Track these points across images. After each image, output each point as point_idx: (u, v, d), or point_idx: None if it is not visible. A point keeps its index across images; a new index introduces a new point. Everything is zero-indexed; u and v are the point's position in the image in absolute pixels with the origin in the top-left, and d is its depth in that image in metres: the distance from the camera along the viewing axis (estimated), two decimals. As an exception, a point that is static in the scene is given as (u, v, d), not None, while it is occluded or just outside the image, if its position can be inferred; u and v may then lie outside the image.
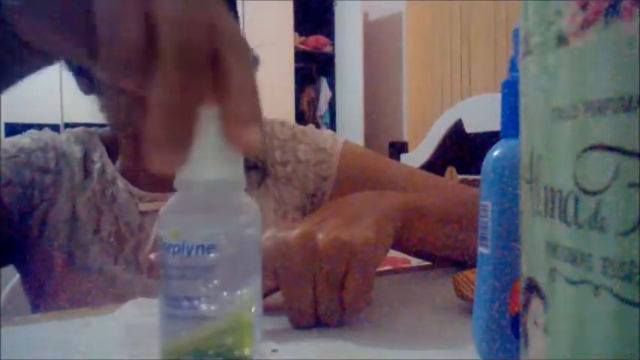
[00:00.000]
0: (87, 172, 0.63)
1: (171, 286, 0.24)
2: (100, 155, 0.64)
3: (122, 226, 0.61)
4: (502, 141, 0.32)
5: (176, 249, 0.24)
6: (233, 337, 0.25)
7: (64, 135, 0.65)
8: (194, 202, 0.25)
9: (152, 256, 0.58)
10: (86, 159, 0.63)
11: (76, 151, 0.63)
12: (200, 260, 0.24)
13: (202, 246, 0.24)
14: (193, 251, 0.24)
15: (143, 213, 0.61)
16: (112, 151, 0.65)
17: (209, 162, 0.24)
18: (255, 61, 0.66)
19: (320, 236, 0.38)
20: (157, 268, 0.25)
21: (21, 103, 2.69)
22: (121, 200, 0.61)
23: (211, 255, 0.24)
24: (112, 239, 0.60)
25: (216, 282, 0.24)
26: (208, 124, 0.24)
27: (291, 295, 0.38)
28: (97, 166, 0.63)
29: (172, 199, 0.26)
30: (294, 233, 0.38)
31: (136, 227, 0.61)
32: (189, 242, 0.24)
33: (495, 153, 0.31)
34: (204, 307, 0.24)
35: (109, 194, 0.61)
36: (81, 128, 0.67)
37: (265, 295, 0.41)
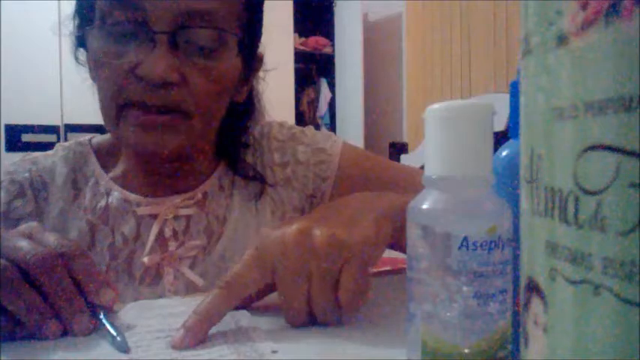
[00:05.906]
0: (77, 191, 0.62)
1: (483, 285, 0.24)
2: (92, 169, 0.63)
3: (117, 237, 0.60)
4: (511, 141, 0.32)
5: (492, 245, 0.24)
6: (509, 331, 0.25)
7: (50, 158, 0.63)
8: (467, 199, 0.25)
9: (145, 259, 0.57)
10: (76, 177, 0.62)
11: (61, 175, 0.62)
12: (509, 253, 0.25)
13: (509, 239, 0.24)
14: (506, 246, 0.24)
15: (140, 217, 0.60)
16: (109, 157, 0.64)
17: (472, 160, 0.25)
18: (258, 61, 0.66)
19: (317, 233, 0.38)
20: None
21: (21, 103, 2.70)
22: (115, 212, 0.60)
23: (509, 248, 0.25)
24: (105, 251, 0.59)
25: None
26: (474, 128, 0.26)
27: (287, 293, 0.38)
28: (91, 181, 0.62)
29: (432, 200, 0.25)
30: (290, 230, 0.38)
31: (131, 238, 0.60)
32: (504, 236, 0.24)
33: (504, 153, 0.31)
34: (508, 300, 0.25)
35: (102, 208, 0.60)
36: (73, 141, 0.66)
37: (264, 293, 0.41)
